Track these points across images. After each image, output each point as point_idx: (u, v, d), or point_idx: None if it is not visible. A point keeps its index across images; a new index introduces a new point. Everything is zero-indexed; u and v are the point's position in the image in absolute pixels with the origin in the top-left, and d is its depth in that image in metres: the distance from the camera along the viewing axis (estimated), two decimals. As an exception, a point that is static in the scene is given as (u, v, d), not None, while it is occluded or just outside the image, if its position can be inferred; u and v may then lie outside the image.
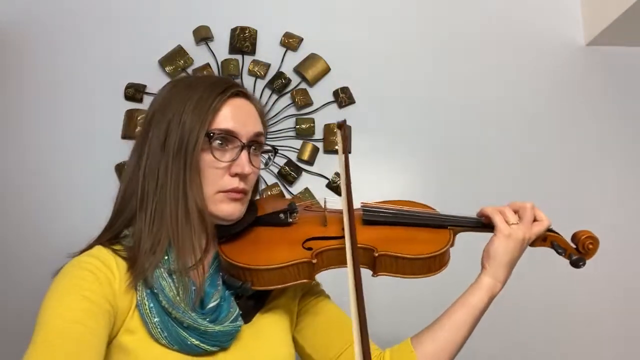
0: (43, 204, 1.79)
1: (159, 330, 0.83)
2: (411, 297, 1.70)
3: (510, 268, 0.97)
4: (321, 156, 1.87)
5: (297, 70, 1.90)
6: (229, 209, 0.91)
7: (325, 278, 1.00)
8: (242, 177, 0.92)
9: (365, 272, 0.93)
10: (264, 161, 1.03)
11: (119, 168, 1.79)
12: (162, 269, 0.85)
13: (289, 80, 1.89)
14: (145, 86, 1.85)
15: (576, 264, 0.97)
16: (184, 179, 0.87)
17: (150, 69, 1.87)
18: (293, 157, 1.86)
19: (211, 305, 0.88)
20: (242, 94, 0.96)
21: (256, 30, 1.92)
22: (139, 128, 1.79)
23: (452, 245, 0.98)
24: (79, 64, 1.87)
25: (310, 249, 0.94)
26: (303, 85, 1.90)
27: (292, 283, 0.91)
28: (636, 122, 1.94)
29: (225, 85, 0.93)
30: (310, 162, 1.85)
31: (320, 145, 1.87)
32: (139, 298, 0.84)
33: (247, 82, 1.88)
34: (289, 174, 1.83)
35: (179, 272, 0.86)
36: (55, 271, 0.84)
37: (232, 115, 0.92)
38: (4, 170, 1.80)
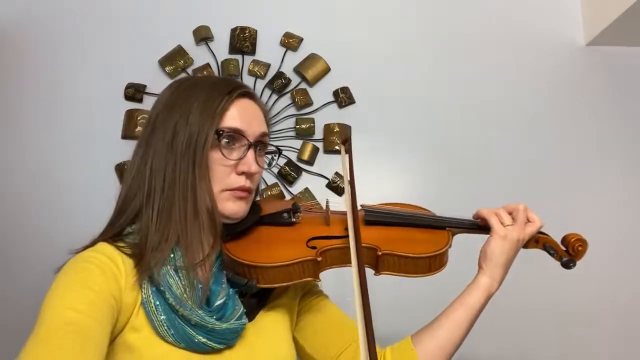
0: (43, 203, 1.79)
1: (166, 328, 0.83)
2: (410, 296, 1.70)
3: (506, 268, 1.01)
4: (321, 156, 1.87)
5: (297, 70, 1.90)
6: (235, 208, 0.92)
7: (327, 278, 1.00)
8: (249, 175, 0.93)
9: (368, 271, 0.94)
10: (268, 161, 1.04)
11: (119, 168, 1.79)
12: (168, 266, 0.86)
13: (289, 80, 1.89)
14: (145, 86, 1.85)
15: (567, 265, 1.00)
16: (192, 176, 0.88)
17: (150, 69, 1.87)
18: (293, 157, 1.86)
19: (218, 303, 0.88)
20: (249, 94, 0.97)
21: (256, 30, 1.92)
22: (139, 128, 1.79)
23: (450, 246, 1.01)
24: (79, 64, 1.88)
25: (314, 247, 0.95)
26: (303, 85, 1.90)
27: (297, 281, 0.92)
28: (636, 122, 1.94)
29: (232, 86, 0.95)
30: (310, 162, 1.86)
31: (320, 145, 1.87)
32: (144, 295, 0.84)
33: (247, 82, 1.88)
34: (289, 174, 1.83)
35: (186, 270, 0.86)
36: (57, 269, 0.84)
37: (239, 115, 0.93)
38: (4, 170, 1.81)
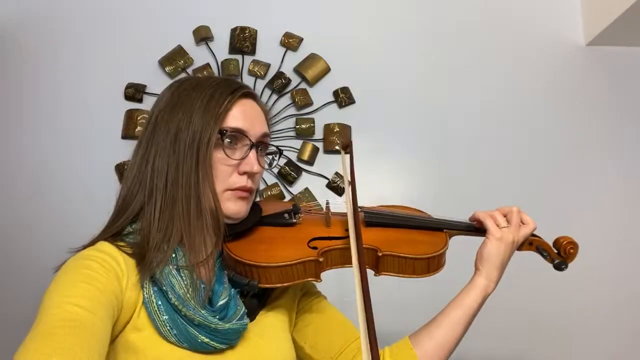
0: (43, 203, 1.79)
1: (168, 328, 0.83)
2: (408, 296, 1.70)
3: (502, 269, 1.03)
4: (321, 156, 1.87)
5: (297, 70, 1.90)
6: (236, 208, 0.93)
7: (327, 279, 1.00)
8: (250, 175, 0.93)
9: (368, 272, 0.95)
10: (268, 161, 1.05)
11: (119, 168, 1.79)
12: (170, 266, 0.85)
13: (289, 80, 1.89)
14: (145, 86, 1.85)
15: (559, 267, 1.03)
16: (196, 175, 0.88)
17: (150, 69, 1.87)
18: (293, 157, 1.86)
19: (221, 303, 0.88)
20: (251, 95, 0.98)
21: (256, 30, 1.92)
22: (139, 128, 1.79)
23: (447, 247, 1.02)
24: (79, 64, 1.88)
25: (315, 248, 0.95)
26: (303, 85, 1.90)
27: (299, 281, 0.93)
28: (636, 122, 1.94)
29: (235, 86, 0.95)
30: (310, 162, 1.86)
31: (320, 145, 1.87)
32: (146, 295, 0.84)
33: (247, 82, 1.88)
34: (289, 174, 1.83)
35: (188, 269, 0.86)
36: (56, 267, 0.84)
37: (242, 115, 0.93)
38: (3, 170, 1.81)
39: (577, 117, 1.94)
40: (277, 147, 1.08)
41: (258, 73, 1.88)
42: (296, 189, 1.85)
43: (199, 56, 1.88)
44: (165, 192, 0.89)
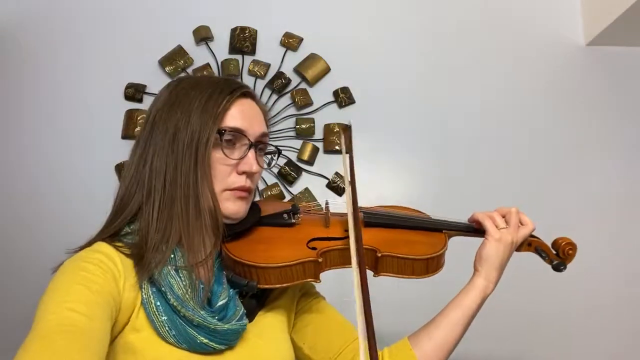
0: (43, 203, 1.79)
1: (167, 329, 0.82)
2: (407, 297, 1.70)
3: (501, 270, 1.03)
4: (321, 156, 1.87)
5: (297, 70, 1.90)
6: (235, 208, 0.92)
7: (327, 279, 1.00)
8: (249, 175, 0.93)
9: (367, 273, 0.94)
10: (267, 161, 1.05)
11: (119, 168, 1.79)
12: (169, 267, 0.85)
13: (289, 80, 1.89)
14: (145, 86, 1.85)
15: (557, 268, 1.03)
16: (194, 175, 0.88)
17: (150, 69, 1.87)
18: (293, 157, 1.86)
19: (220, 303, 0.88)
20: (249, 94, 0.98)
21: (256, 30, 1.92)
22: (139, 128, 1.79)
23: (446, 248, 1.02)
24: (79, 64, 1.88)
25: (314, 248, 0.95)
26: (303, 85, 1.90)
27: (298, 282, 0.92)
28: (636, 122, 1.94)
29: (234, 86, 0.95)
30: (310, 162, 1.85)
31: (320, 145, 1.87)
32: (144, 296, 0.83)
33: (247, 82, 1.88)
34: (289, 174, 1.83)
35: (187, 270, 0.86)
36: (54, 268, 0.83)
37: (240, 115, 0.93)
38: (3, 170, 1.81)
39: (577, 117, 1.94)
40: (276, 146, 1.08)
41: (258, 73, 1.88)
42: (296, 189, 1.85)
43: (199, 56, 1.88)
44: (164, 192, 0.88)
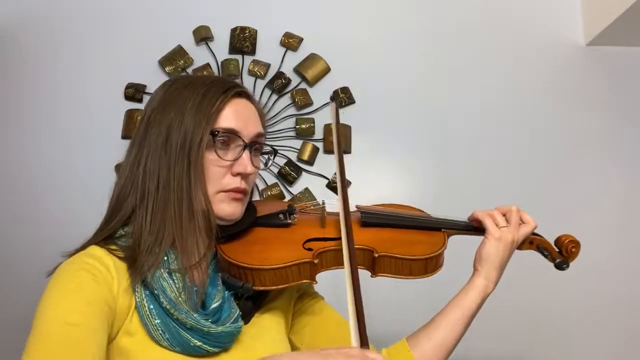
0: (43, 203, 1.79)
1: (160, 332, 0.81)
2: (406, 298, 1.70)
3: (501, 269, 1.02)
4: (321, 156, 1.87)
5: (297, 70, 1.90)
6: (230, 209, 0.91)
7: (324, 279, 1.00)
8: (244, 176, 0.92)
9: (365, 273, 0.94)
10: (264, 161, 1.04)
11: (119, 168, 1.79)
12: (162, 269, 0.84)
13: (289, 80, 1.89)
14: (145, 86, 1.85)
15: (560, 266, 1.00)
16: (187, 177, 0.87)
17: (150, 69, 1.87)
18: (293, 157, 1.86)
19: (214, 306, 0.87)
20: (244, 94, 0.96)
21: (256, 30, 1.92)
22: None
23: (445, 247, 1.01)
24: (79, 64, 1.88)
25: (310, 249, 0.94)
26: (303, 85, 1.90)
27: (294, 283, 0.91)
28: (636, 122, 1.94)
29: (228, 85, 0.93)
30: (310, 162, 1.85)
31: (320, 145, 1.87)
32: (137, 299, 0.83)
33: (247, 82, 1.88)
34: (289, 174, 1.83)
35: (180, 273, 0.85)
36: (49, 271, 0.83)
37: (234, 115, 0.92)
38: (3, 171, 1.81)
39: (577, 117, 1.93)
40: (272, 146, 1.06)
41: (258, 73, 1.88)
42: (296, 189, 1.85)
43: (199, 56, 1.88)
44: (157, 194, 0.88)
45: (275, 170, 1.84)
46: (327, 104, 1.89)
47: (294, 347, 1.04)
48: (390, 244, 0.97)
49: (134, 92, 1.84)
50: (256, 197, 1.80)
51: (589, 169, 1.90)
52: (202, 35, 1.89)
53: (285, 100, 1.89)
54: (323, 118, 1.88)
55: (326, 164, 1.86)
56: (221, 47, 1.91)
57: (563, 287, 1.77)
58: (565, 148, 1.91)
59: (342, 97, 1.89)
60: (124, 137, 1.82)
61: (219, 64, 1.89)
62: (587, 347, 1.80)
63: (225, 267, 0.92)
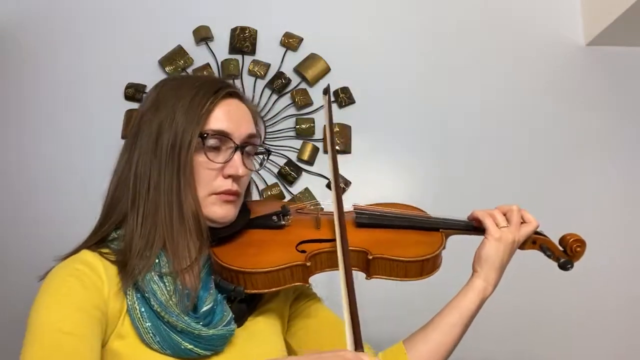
0: (42, 203, 1.79)
1: (151, 335, 0.81)
2: (404, 299, 1.69)
3: (501, 271, 0.99)
4: (321, 156, 1.87)
5: (297, 70, 1.90)
6: (222, 212, 0.90)
7: (320, 280, 0.99)
8: (236, 178, 0.91)
9: (360, 275, 0.93)
10: (259, 161, 1.03)
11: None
12: (152, 273, 0.84)
13: (289, 80, 1.89)
14: (145, 86, 1.85)
15: (564, 266, 0.98)
16: (177, 180, 0.86)
17: (150, 69, 1.87)
18: (293, 157, 1.86)
19: (205, 309, 0.86)
20: (235, 94, 0.95)
21: (256, 30, 1.92)
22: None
23: (444, 247, 0.99)
24: (79, 64, 1.88)
25: (303, 251, 0.93)
26: (303, 85, 1.90)
27: (286, 286, 0.90)
28: (636, 122, 1.94)
29: (218, 86, 0.92)
30: (310, 162, 1.85)
31: (320, 145, 1.87)
32: (129, 302, 0.82)
33: (247, 82, 1.88)
34: (289, 174, 1.83)
35: (171, 276, 0.84)
36: (41, 275, 0.84)
37: (225, 116, 0.90)
38: (3, 170, 1.80)
39: (577, 117, 1.93)
40: (265, 147, 1.05)
41: (258, 73, 1.87)
42: (296, 189, 1.85)
43: (199, 56, 1.88)
44: (148, 197, 0.87)
45: (275, 170, 1.84)
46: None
47: (291, 349, 1.02)
48: (385, 245, 0.95)
49: (134, 92, 1.84)
50: (256, 197, 1.81)
51: (589, 169, 1.90)
52: (202, 35, 1.89)
53: (285, 100, 1.89)
54: (323, 118, 1.87)
55: (326, 164, 1.86)
56: (221, 47, 1.91)
57: (563, 288, 1.77)
58: (565, 148, 1.91)
59: (342, 97, 1.89)
60: (124, 137, 1.82)
61: (219, 64, 1.89)
62: (588, 348, 1.80)
63: (218, 270, 0.91)
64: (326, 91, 1.06)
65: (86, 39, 1.89)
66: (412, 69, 1.94)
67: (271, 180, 1.85)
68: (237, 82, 1.88)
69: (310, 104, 1.88)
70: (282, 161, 1.84)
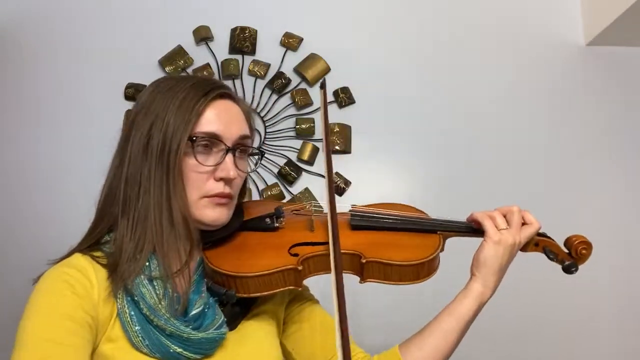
0: (42, 203, 1.79)
1: (140, 338, 0.81)
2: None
3: (500, 274, 0.96)
4: (321, 156, 1.87)
5: (297, 70, 1.90)
6: (214, 215, 0.89)
7: (317, 283, 0.99)
8: (227, 181, 0.89)
9: (354, 278, 0.92)
10: (254, 161, 1.01)
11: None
12: (142, 276, 0.83)
13: (289, 80, 1.89)
14: (145, 86, 1.85)
15: (568, 269, 0.95)
16: (167, 183, 0.85)
17: (150, 69, 1.87)
18: (293, 157, 1.86)
19: (194, 312, 0.85)
20: (227, 95, 0.93)
21: (256, 30, 1.92)
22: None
23: (442, 250, 0.96)
24: (79, 64, 1.87)
25: (296, 255, 0.91)
26: (303, 85, 1.90)
27: (278, 290, 0.89)
28: (636, 122, 1.94)
29: (209, 87, 0.90)
30: (310, 162, 1.85)
31: (320, 145, 1.87)
32: (119, 306, 0.82)
33: (247, 82, 1.88)
34: (289, 174, 1.83)
35: (161, 279, 0.84)
36: (35, 279, 0.83)
37: (216, 118, 0.88)
38: (3, 170, 1.80)
39: (577, 117, 1.93)
40: (259, 148, 1.03)
41: (258, 73, 1.87)
42: (296, 189, 1.85)
43: (199, 56, 1.88)
44: (138, 201, 0.86)
45: (275, 170, 1.84)
46: (327, 104, 1.89)
47: (286, 352, 1.02)
48: (379, 249, 0.92)
49: (134, 92, 1.84)
50: (256, 197, 1.81)
51: (589, 169, 1.90)
52: (202, 35, 1.89)
53: (285, 100, 1.89)
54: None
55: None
56: (221, 47, 1.91)
57: (564, 290, 1.77)
58: (565, 148, 1.91)
59: (342, 97, 1.89)
60: (123, 137, 1.82)
61: (219, 64, 1.89)
62: (589, 349, 1.80)
63: (210, 274, 0.90)
64: (322, 85, 1.04)
65: (86, 39, 1.89)
66: (412, 69, 1.94)
67: (271, 180, 1.84)
68: (237, 82, 1.88)
69: (310, 104, 1.88)
70: (282, 161, 1.84)
